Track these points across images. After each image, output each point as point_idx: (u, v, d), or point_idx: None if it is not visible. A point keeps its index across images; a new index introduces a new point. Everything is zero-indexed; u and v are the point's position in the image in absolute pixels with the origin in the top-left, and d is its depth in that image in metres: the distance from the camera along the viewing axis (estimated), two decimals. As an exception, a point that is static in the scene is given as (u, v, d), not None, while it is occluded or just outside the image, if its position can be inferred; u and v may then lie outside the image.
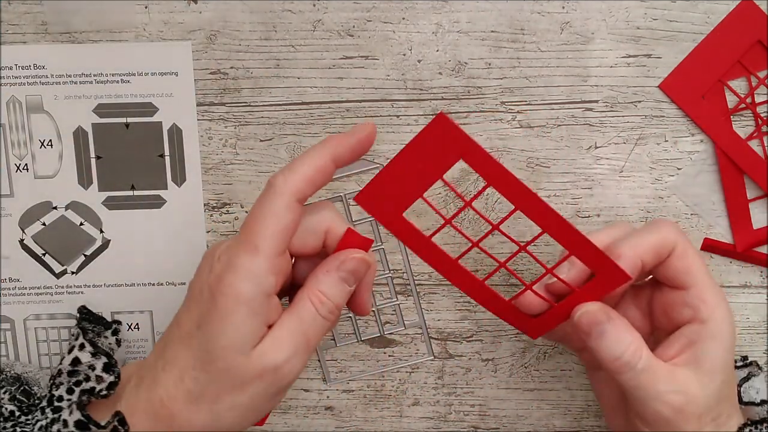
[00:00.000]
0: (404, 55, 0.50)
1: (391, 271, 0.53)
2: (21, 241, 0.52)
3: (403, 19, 0.50)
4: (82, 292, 0.53)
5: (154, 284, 0.53)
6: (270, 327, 0.41)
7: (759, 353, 0.54)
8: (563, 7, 0.49)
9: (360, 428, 0.56)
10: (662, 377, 0.42)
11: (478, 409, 0.56)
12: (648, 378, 0.42)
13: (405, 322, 0.54)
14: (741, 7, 0.49)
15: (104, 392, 0.45)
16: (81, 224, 0.52)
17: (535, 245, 0.53)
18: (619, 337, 0.42)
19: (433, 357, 0.55)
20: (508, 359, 0.55)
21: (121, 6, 0.49)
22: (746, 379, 0.49)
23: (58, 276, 0.53)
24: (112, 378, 0.46)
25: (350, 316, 0.54)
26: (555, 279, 0.44)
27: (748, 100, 0.50)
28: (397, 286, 0.54)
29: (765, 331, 0.54)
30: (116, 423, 0.41)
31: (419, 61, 0.50)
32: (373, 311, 0.54)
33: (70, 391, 0.46)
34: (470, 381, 0.55)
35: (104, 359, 0.47)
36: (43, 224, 0.52)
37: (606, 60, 0.50)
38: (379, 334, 0.54)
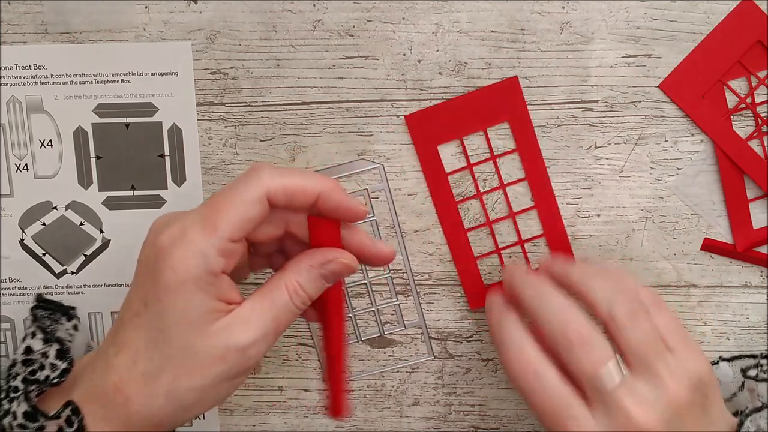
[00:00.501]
0: (404, 55, 0.50)
1: (391, 271, 0.53)
2: (21, 241, 0.52)
3: (403, 19, 0.50)
4: (82, 292, 0.53)
5: (154, 284, 0.53)
6: (230, 305, 0.41)
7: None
8: (563, 7, 0.49)
9: (360, 428, 0.56)
10: None
11: (478, 409, 0.56)
12: None
13: (405, 322, 0.54)
14: (741, 7, 0.49)
15: (56, 380, 0.43)
16: (81, 224, 0.52)
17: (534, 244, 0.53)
18: None
19: (433, 357, 0.55)
20: (508, 359, 0.55)
21: (121, 6, 0.49)
22: (758, 410, 0.47)
23: (58, 276, 0.53)
24: (64, 365, 0.44)
25: (350, 316, 0.54)
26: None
27: (748, 100, 0.50)
28: (397, 286, 0.54)
29: (765, 331, 0.54)
30: (69, 412, 0.40)
31: (419, 61, 0.50)
32: (373, 311, 0.54)
33: (25, 381, 0.44)
34: (470, 381, 0.55)
35: (57, 346, 0.46)
36: (43, 224, 0.52)
37: (606, 60, 0.50)
38: (379, 334, 0.54)
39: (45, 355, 0.45)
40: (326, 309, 0.44)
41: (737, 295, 0.53)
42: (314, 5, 0.49)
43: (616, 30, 0.50)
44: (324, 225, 0.43)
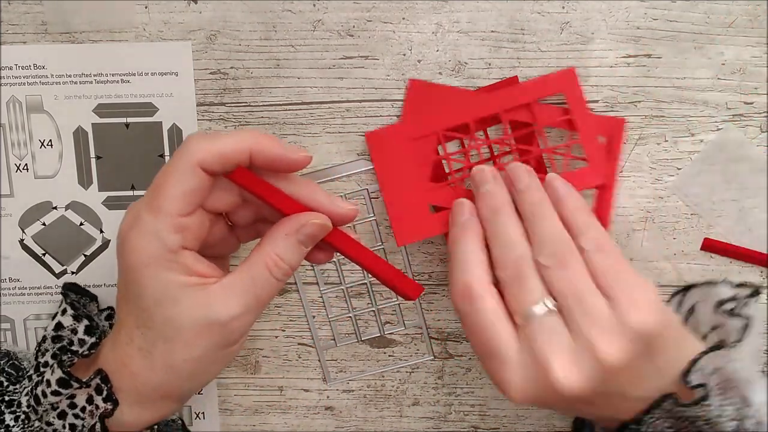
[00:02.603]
0: (404, 55, 0.50)
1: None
2: (21, 241, 0.53)
3: (403, 19, 0.50)
4: (82, 292, 0.54)
5: (154, 284, 0.53)
6: (206, 278, 0.42)
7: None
8: (563, 7, 0.49)
9: (360, 428, 0.56)
10: None
11: (478, 409, 0.56)
12: None
13: (405, 322, 0.54)
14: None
15: (86, 353, 0.46)
16: (81, 224, 0.52)
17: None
18: None
19: (433, 357, 0.55)
20: (508, 359, 0.55)
21: (121, 6, 0.49)
22: (716, 348, 0.43)
23: (58, 276, 0.53)
24: (93, 339, 0.47)
25: (350, 316, 0.54)
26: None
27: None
28: (397, 286, 0.54)
29: (765, 331, 0.54)
30: (99, 380, 0.42)
31: (419, 61, 0.50)
32: (374, 311, 0.54)
33: (54, 356, 0.47)
34: (470, 381, 0.55)
35: (86, 322, 0.48)
36: (43, 224, 0.52)
37: (606, 60, 0.50)
38: (379, 334, 0.54)
39: (74, 330, 0.48)
40: (338, 248, 0.45)
41: (737, 295, 0.53)
42: (314, 5, 0.49)
43: (616, 30, 0.50)
44: (250, 177, 0.43)
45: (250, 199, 0.44)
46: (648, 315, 0.41)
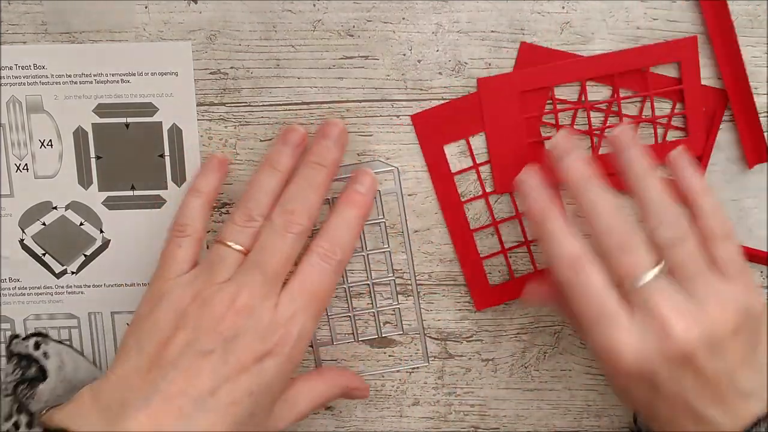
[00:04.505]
0: (404, 55, 0.50)
1: (395, 272, 0.53)
2: (21, 241, 0.53)
3: (403, 19, 0.50)
4: (82, 292, 0.53)
5: (154, 284, 0.53)
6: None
7: (759, 353, 0.54)
8: (563, 7, 0.49)
9: (360, 428, 0.56)
10: None
11: (478, 409, 0.56)
12: None
13: (404, 326, 0.54)
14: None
15: None
16: (81, 224, 0.52)
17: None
18: None
19: (427, 363, 0.55)
20: (508, 359, 0.55)
21: (121, 6, 0.49)
22: None
23: (58, 276, 0.53)
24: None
25: (350, 316, 0.54)
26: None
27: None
28: (397, 286, 0.54)
29: None
30: None
31: (419, 61, 0.50)
32: (374, 312, 0.54)
33: None
34: (470, 381, 0.55)
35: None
36: (43, 224, 0.52)
37: (606, 60, 0.50)
38: (378, 335, 0.54)
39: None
40: None
41: (737, 295, 0.53)
42: (314, 5, 0.49)
43: (616, 30, 0.50)
44: None
45: None
46: (759, 300, 0.42)
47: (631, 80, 0.50)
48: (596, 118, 0.51)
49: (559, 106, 0.51)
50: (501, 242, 0.53)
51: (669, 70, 0.50)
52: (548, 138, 0.51)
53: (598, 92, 0.51)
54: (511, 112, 0.50)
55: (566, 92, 0.51)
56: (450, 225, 0.52)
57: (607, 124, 0.51)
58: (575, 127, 0.51)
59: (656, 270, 0.42)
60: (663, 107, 0.51)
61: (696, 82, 0.50)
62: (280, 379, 0.45)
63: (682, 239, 0.43)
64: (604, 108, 0.51)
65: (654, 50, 0.49)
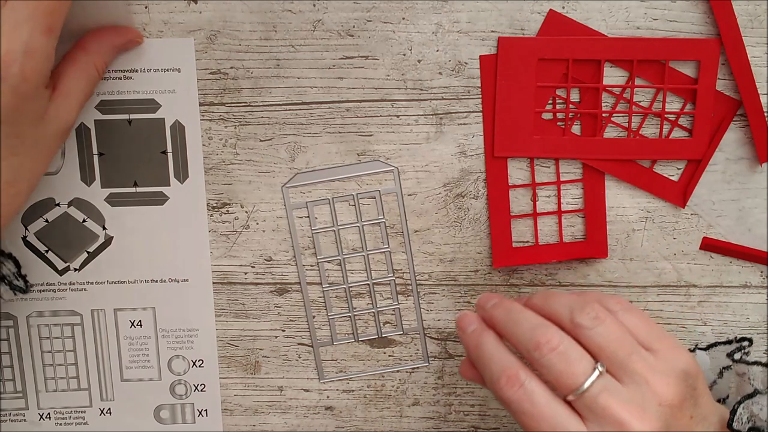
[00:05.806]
0: (404, 55, 0.50)
1: (395, 272, 0.53)
2: (24, 238, 0.53)
3: (403, 19, 0.50)
4: (85, 289, 0.54)
5: (156, 281, 0.54)
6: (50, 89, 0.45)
7: (759, 353, 0.53)
8: (563, 7, 0.49)
9: (360, 428, 0.56)
10: None
11: (478, 409, 0.56)
12: None
13: (404, 326, 0.54)
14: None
15: None
16: (84, 221, 0.53)
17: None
18: None
19: (427, 363, 0.55)
20: (508, 360, 0.54)
21: (121, 6, 0.49)
22: (749, 396, 0.46)
23: (61, 273, 0.54)
24: None
25: (349, 316, 0.54)
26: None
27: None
28: (397, 286, 0.54)
29: (765, 331, 0.53)
30: None
31: (419, 61, 0.51)
32: (374, 312, 0.54)
33: None
34: (470, 381, 0.55)
35: None
36: (46, 221, 0.53)
37: (605, 60, 0.50)
38: (377, 336, 0.54)
39: None
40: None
41: (737, 295, 0.53)
42: (314, 5, 0.50)
43: (616, 30, 0.50)
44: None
45: None
46: (689, 358, 0.43)
47: (649, 70, 0.50)
48: (606, 103, 0.51)
49: (572, 83, 0.50)
50: (534, 205, 0.52)
51: (687, 69, 0.50)
52: (557, 111, 0.51)
53: (614, 76, 0.50)
54: (525, 77, 0.50)
55: (582, 71, 0.50)
56: (490, 177, 0.52)
57: (617, 109, 0.51)
58: (583, 108, 0.51)
59: (596, 373, 0.41)
60: (674, 104, 0.51)
61: (711, 85, 0.50)
62: (23, 98, 0.42)
63: (599, 322, 0.42)
64: (617, 93, 0.50)
65: (677, 45, 0.49)
